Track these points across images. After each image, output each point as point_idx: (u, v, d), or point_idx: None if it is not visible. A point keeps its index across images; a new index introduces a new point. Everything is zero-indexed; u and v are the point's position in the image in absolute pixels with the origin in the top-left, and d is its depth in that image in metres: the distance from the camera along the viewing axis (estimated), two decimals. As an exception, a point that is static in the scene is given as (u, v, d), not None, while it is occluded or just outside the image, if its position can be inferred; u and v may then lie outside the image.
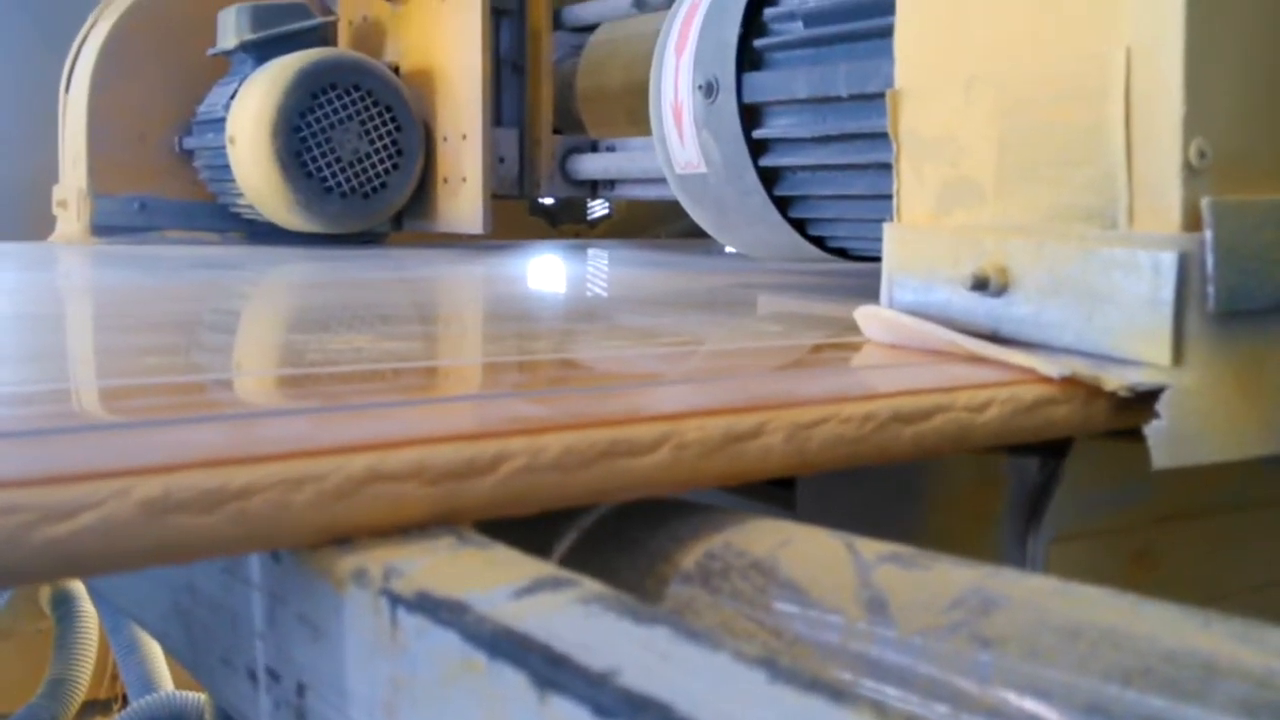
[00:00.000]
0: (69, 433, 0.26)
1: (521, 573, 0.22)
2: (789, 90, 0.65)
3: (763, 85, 0.67)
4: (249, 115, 1.22)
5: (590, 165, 1.29)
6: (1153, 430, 0.34)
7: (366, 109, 1.25)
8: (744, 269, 0.98)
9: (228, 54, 1.33)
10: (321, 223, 1.25)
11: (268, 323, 0.66)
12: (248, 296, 0.78)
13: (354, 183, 1.25)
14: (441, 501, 0.24)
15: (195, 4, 1.39)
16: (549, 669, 0.18)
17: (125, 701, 1.17)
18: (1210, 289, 0.34)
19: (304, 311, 0.67)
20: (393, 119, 1.26)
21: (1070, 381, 0.34)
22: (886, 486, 0.40)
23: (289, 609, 0.24)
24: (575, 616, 0.20)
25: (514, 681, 0.18)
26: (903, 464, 0.38)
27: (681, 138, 0.73)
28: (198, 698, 1.11)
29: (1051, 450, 0.39)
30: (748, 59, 0.68)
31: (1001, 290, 0.39)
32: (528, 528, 0.27)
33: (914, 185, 0.43)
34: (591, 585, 0.21)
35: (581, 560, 0.27)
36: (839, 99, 0.62)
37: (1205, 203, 0.34)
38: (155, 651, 1.16)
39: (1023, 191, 0.39)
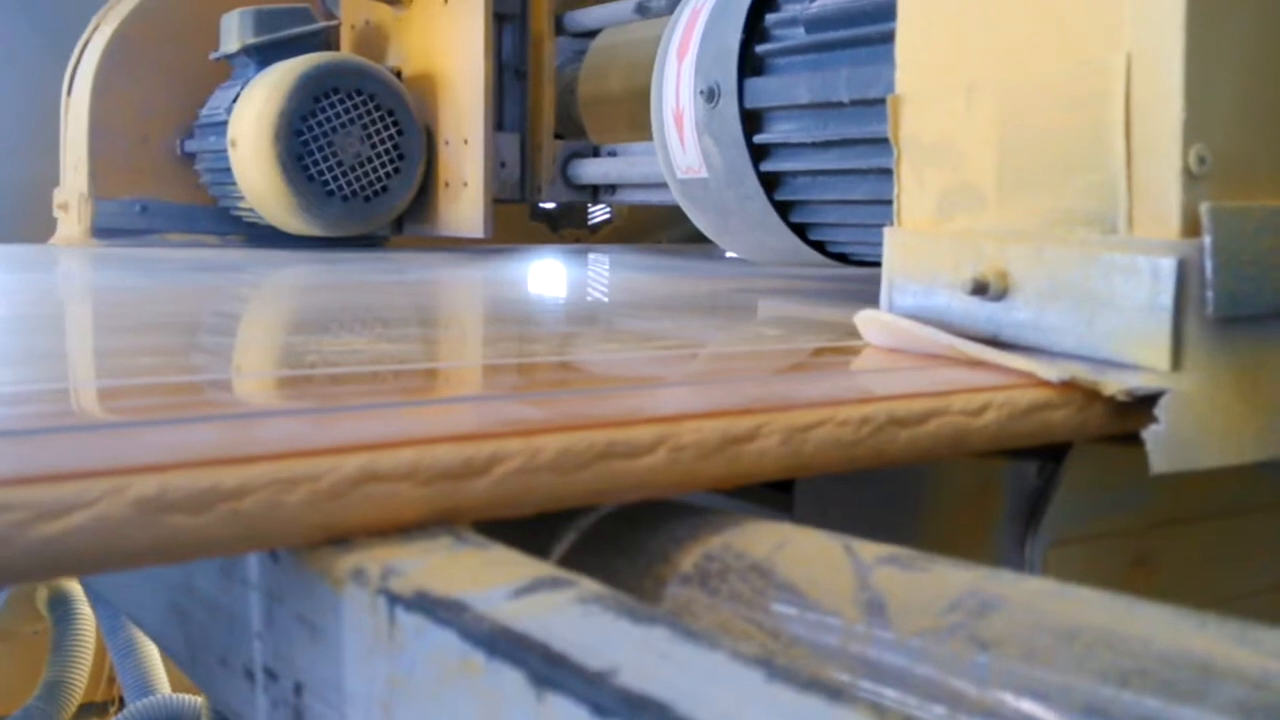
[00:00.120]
0: (63, 432, 0.26)
1: (520, 573, 0.22)
2: (790, 95, 0.65)
3: (764, 90, 0.67)
4: (251, 119, 1.22)
5: (591, 170, 1.29)
6: (1151, 435, 0.34)
7: (368, 113, 1.25)
8: (745, 274, 0.98)
9: (230, 58, 1.33)
10: (322, 226, 1.25)
11: (267, 325, 0.66)
12: (247, 299, 0.79)
13: (355, 186, 1.25)
14: (437, 502, 0.24)
15: (198, 8, 1.39)
16: (547, 668, 0.18)
17: (122, 704, 1.17)
18: (1209, 294, 0.34)
19: (303, 314, 0.67)
20: (395, 123, 1.27)
21: (1068, 386, 0.34)
22: (885, 490, 0.40)
23: (287, 609, 0.24)
24: (573, 616, 0.20)
25: (512, 680, 0.18)
26: (901, 468, 0.38)
27: (683, 143, 0.73)
28: (194, 700, 1.10)
29: (1050, 455, 0.39)
30: (749, 64, 0.68)
31: (1001, 295, 0.39)
32: (526, 528, 0.27)
33: (915, 190, 0.44)
34: (589, 585, 0.21)
35: (580, 561, 0.27)
36: (840, 104, 0.62)
37: (1204, 208, 0.34)
38: (152, 654, 1.16)
39: (1023, 197, 0.39)
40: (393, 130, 1.27)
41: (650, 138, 0.78)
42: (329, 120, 1.23)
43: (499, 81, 1.27)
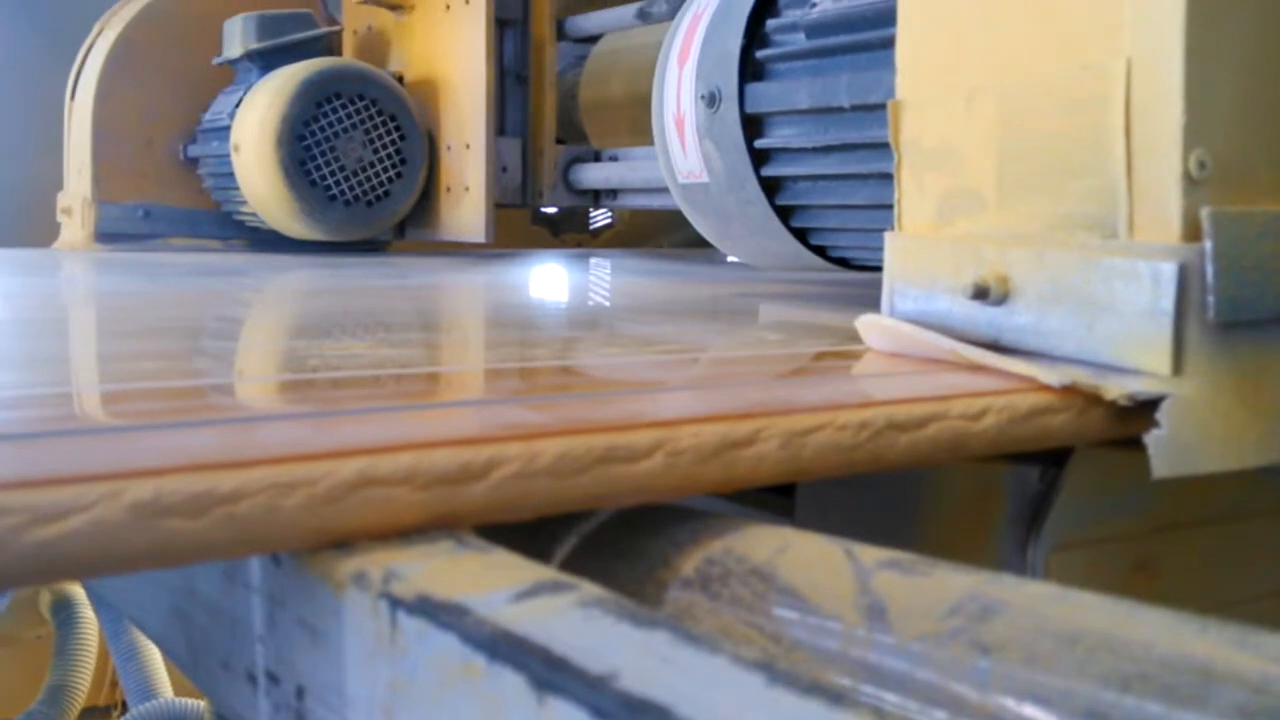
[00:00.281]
0: (61, 436, 0.26)
1: (521, 576, 0.22)
2: (791, 101, 0.65)
3: (765, 96, 0.67)
4: (254, 123, 1.22)
5: (593, 175, 1.29)
6: (1153, 439, 0.34)
7: (371, 118, 1.25)
8: (746, 278, 0.98)
9: (233, 63, 1.33)
10: (325, 231, 1.25)
11: (269, 329, 0.66)
12: (250, 303, 0.79)
13: (358, 191, 1.25)
14: (435, 506, 0.24)
15: (201, 13, 1.40)
16: (548, 671, 0.18)
17: (125, 708, 1.17)
18: (1210, 299, 0.34)
19: (305, 318, 0.67)
20: (397, 128, 1.27)
21: (1068, 390, 0.34)
22: (886, 494, 0.40)
23: (288, 612, 0.24)
24: (574, 620, 0.20)
25: (513, 684, 0.18)
26: (902, 472, 0.38)
27: (684, 147, 0.73)
28: (197, 704, 1.11)
29: (1052, 459, 0.39)
30: (750, 70, 0.68)
31: (1002, 299, 0.39)
32: (528, 532, 0.27)
33: (915, 195, 0.44)
34: (591, 589, 0.21)
35: (581, 565, 0.27)
36: (841, 109, 0.62)
37: (1205, 213, 0.34)
38: (155, 658, 1.16)
39: (1023, 201, 0.39)
40: (395, 135, 1.27)
41: (651, 142, 0.78)
42: (331, 125, 1.23)
43: (500, 86, 1.28)
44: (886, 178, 0.47)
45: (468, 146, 1.25)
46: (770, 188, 0.68)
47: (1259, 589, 0.45)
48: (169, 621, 0.30)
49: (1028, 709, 0.20)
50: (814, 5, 0.65)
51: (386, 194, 1.27)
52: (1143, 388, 0.34)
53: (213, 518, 0.22)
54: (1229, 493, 0.42)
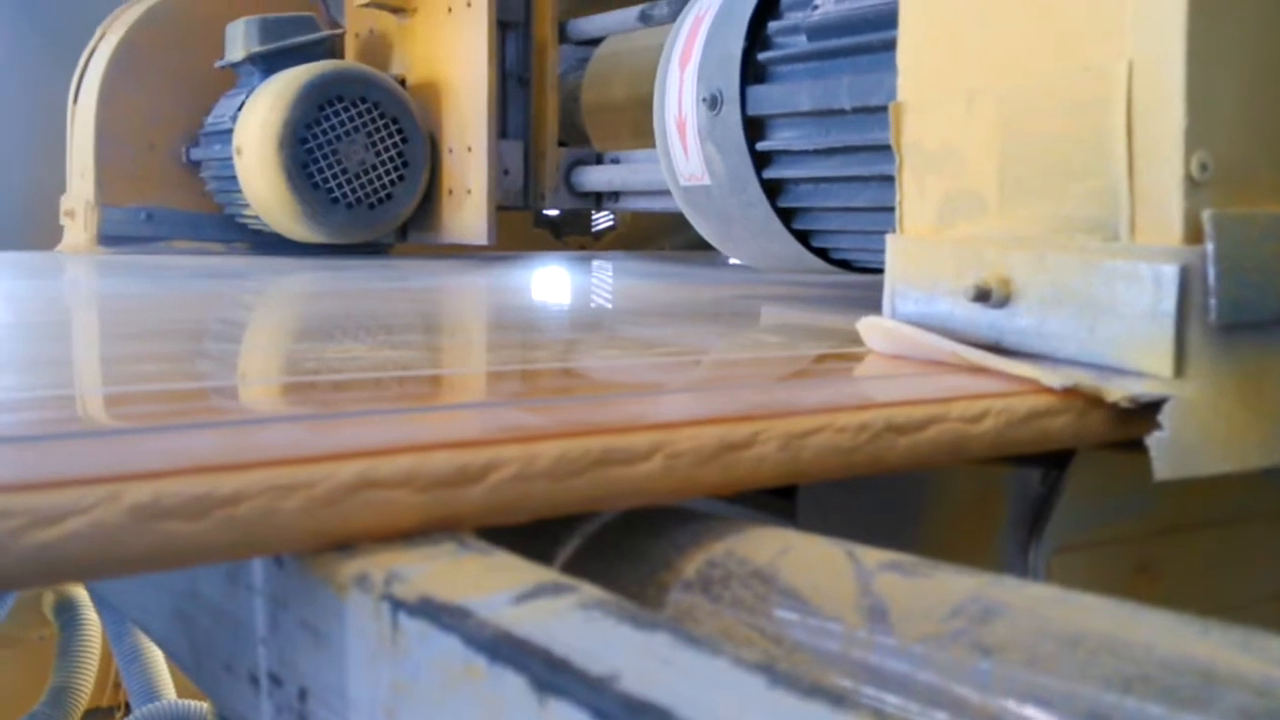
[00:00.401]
0: (61, 438, 0.26)
1: (522, 578, 0.22)
2: (793, 103, 0.65)
3: (766, 98, 0.67)
4: (256, 127, 1.22)
5: (595, 177, 1.29)
6: (1155, 441, 0.34)
7: (373, 121, 1.26)
8: (748, 281, 0.98)
9: (235, 66, 1.33)
10: (327, 234, 1.25)
11: (270, 332, 0.66)
12: (252, 306, 0.79)
13: (360, 194, 1.26)
14: (434, 509, 0.24)
15: (203, 16, 1.40)
16: (549, 673, 0.18)
17: (128, 709, 1.17)
18: (1212, 301, 0.34)
19: (307, 321, 0.67)
20: (399, 131, 1.27)
21: (1068, 393, 0.34)
22: (888, 497, 0.40)
23: (291, 614, 0.24)
24: (575, 621, 0.20)
25: (514, 685, 0.18)
26: (904, 474, 0.38)
27: (686, 150, 0.73)
28: (200, 706, 1.11)
29: (1054, 461, 0.39)
30: (752, 72, 0.68)
31: (1004, 302, 0.39)
32: (530, 534, 0.27)
33: (916, 197, 0.44)
34: (592, 591, 0.21)
35: (583, 567, 0.27)
36: (842, 112, 0.63)
37: (1207, 215, 0.34)
38: (158, 659, 1.16)
39: (1025, 203, 0.39)
40: (397, 138, 1.27)
41: (653, 145, 0.79)
42: (333, 128, 1.23)
43: (502, 89, 1.28)
44: (888, 180, 0.47)
45: (469, 149, 1.25)
46: (772, 190, 0.68)
47: (1261, 591, 0.45)
48: (172, 623, 0.31)
49: (1029, 711, 0.20)
50: (816, 7, 0.65)
51: (388, 197, 1.27)
52: (1144, 390, 0.34)
53: (212, 520, 0.22)
54: (1231, 495, 0.42)
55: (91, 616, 1.21)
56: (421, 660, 0.21)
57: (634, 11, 1.22)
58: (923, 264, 0.42)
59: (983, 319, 0.40)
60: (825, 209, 0.67)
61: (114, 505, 0.21)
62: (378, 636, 0.22)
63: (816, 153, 0.65)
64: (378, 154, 1.26)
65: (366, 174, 1.26)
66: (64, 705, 1.17)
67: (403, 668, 0.21)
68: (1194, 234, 0.34)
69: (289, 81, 1.23)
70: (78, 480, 0.22)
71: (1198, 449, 0.34)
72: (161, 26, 1.40)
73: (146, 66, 1.38)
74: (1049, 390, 0.34)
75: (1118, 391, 0.34)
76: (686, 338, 0.56)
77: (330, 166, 1.23)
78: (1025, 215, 0.39)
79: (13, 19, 1.59)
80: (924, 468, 0.34)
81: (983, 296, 0.39)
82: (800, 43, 0.66)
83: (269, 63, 1.29)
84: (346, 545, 0.23)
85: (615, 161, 1.28)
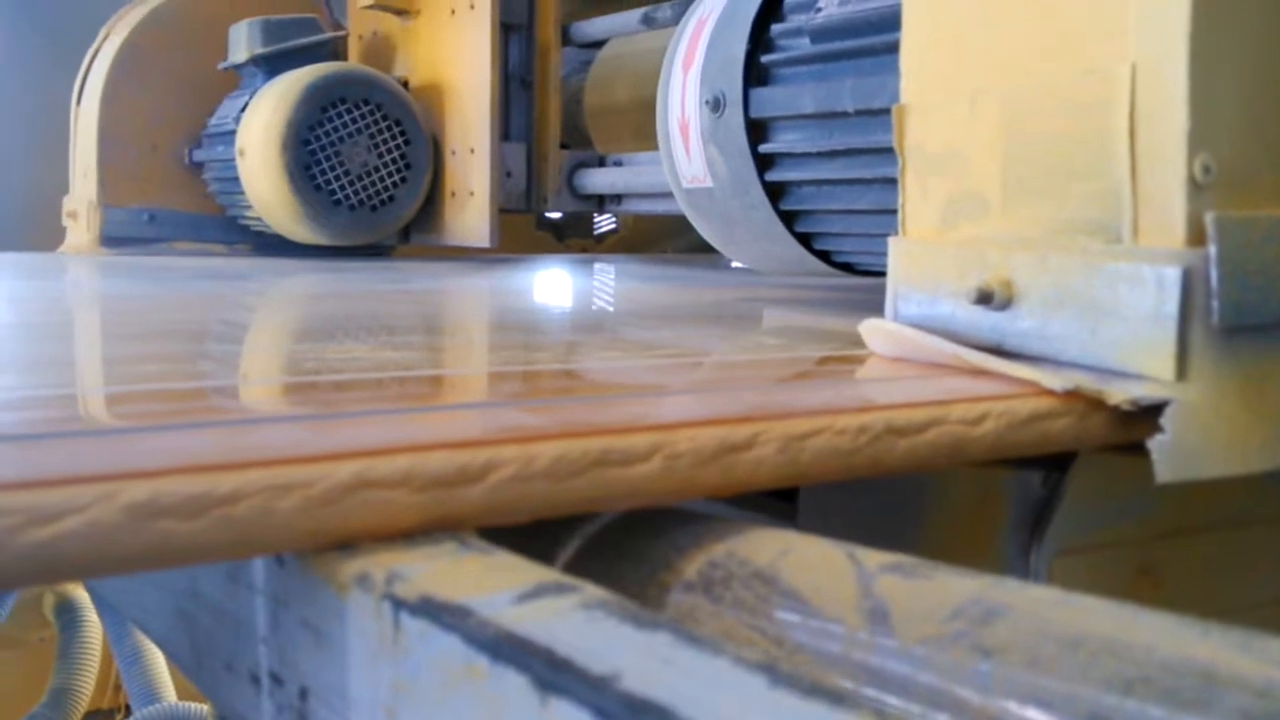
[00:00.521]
0: (59, 437, 0.26)
1: (524, 578, 0.22)
2: (795, 105, 0.65)
3: (770, 100, 0.67)
4: (259, 128, 1.22)
5: (597, 180, 1.29)
6: (1156, 444, 0.34)
7: (375, 123, 1.26)
8: (750, 283, 0.98)
9: (238, 68, 1.34)
10: (329, 235, 1.26)
11: (272, 332, 0.66)
12: (254, 307, 0.79)
13: (362, 196, 1.26)
14: (433, 509, 0.24)
15: (207, 17, 1.40)
16: (550, 673, 0.18)
17: (128, 711, 1.17)
18: (1214, 304, 0.34)
19: (309, 322, 0.67)
20: (401, 133, 1.27)
21: (1069, 396, 0.34)
22: (889, 499, 0.40)
23: (292, 613, 0.24)
24: (577, 621, 0.20)
25: (516, 685, 0.18)
26: (905, 477, 0.38)
27: (688, 152, 0.73)
28: (200, 708, 1.11)
29: (1055, 464, 0.39)
30: (755, 74, 0.69)
31: (1006, 304, 0.39)
32: (531, 535, 0.27)
33: (919, 199, 0.44)
34: (593, 590, 0.21)
35: (584, 567, 0.27)
36: (845, 114, 0.63)
37: (1210, 218, 0.34)
38: (158, 661, 1.16)
39: (1027, 205, 0.39)
40: (400, 140, 1.27)
41: (656, 147, 0.79)
42: (336, 130, 1.23)
43: (505, 91, 1.28)
44: (891, 182, 0.47)
45: (472, 151, 1.25)
46: (774, 193, 0.68)
47: (1262, 595, 0.45)
48: (172, 623, 0.31)
49: (1030, 712, 0.20)
50: (819, 10, 0.65)
51: (391, 199, 1.27)
52: (1146, 392, 0.34)
53: (209, 519, 0.22)
54: (1233, 498, 0.42)
55: (92, 618, 1.21)
56: (423, 660, 0.21)
57: (637, 14, 1.22)
58: (925, 266, 0.42)
59: (985, 321, 0.40)
60: (828, 212, 0.67)
61: (110, 504, 0.21)
62: (379, 636, 0.22)
63: (819, 155, 0.65)
64: (380, 156, 1.26)
65: (369, 176, 1.26)
66: (64, 707, 1.17)
67: (404, 667, 0.21)
68: (1197, 236, 0.34)
69: (292, 83, 1.23)
70: (74, 479, 0.22)
71: (1199, 452, 0.34)
72: (165, 28, 1.40)
73: (150, 68, 1.38)
74: (1050, 393, 0.34)
75: (1119, 394, 0.34)
76: (687, 340, 0.56)
77: (333, 168, 1.23)
78: (1028, 217, 0.39)
79: (13, 19, 1.59)
80: (924, 470, 0.34)
81: (985, 299, 0.39)
82: (803, 45, 0.66)
83: (272, 64, 1.30)
84: (347, 545, 0.23)
85: (618, 164, 1.29)
